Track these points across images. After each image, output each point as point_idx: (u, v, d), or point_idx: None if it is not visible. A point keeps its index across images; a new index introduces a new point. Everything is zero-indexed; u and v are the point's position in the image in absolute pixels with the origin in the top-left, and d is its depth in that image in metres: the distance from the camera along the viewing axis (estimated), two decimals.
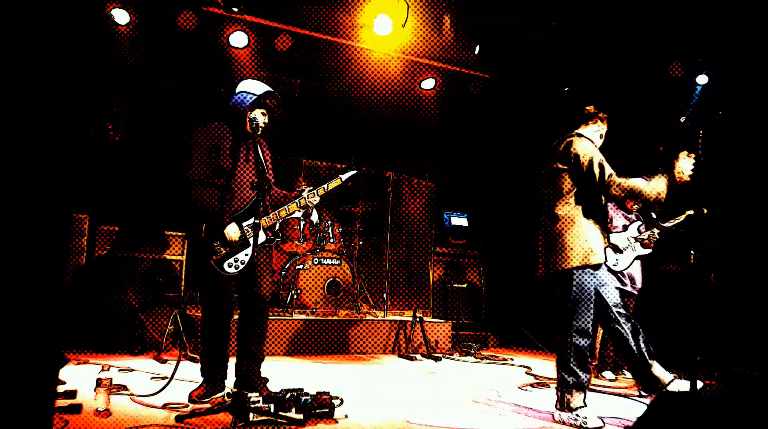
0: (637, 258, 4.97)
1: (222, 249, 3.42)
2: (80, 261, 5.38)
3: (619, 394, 4.36)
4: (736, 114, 4.80)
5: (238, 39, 6.34)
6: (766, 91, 5.29)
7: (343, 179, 3.71)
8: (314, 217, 6.20)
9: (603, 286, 3.46)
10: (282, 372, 4.42)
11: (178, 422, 2.97)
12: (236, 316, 3.65)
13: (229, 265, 3.42)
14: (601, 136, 3.70)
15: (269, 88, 3.59)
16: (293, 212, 3.62)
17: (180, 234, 5.87)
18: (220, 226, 3.39)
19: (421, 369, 5.28)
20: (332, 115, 7.17)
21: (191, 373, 3.81)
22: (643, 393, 4.29)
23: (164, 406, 3.25)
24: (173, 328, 4.99)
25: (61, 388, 3.27)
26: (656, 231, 4.80)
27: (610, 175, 3.41)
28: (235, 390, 3.45)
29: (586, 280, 3.41)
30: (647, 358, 3.44)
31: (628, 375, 5.12)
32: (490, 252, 7.58)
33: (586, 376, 3.40)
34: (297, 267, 6.01)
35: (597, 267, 3.45)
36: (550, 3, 6.01)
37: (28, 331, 1.42)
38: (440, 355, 5.86)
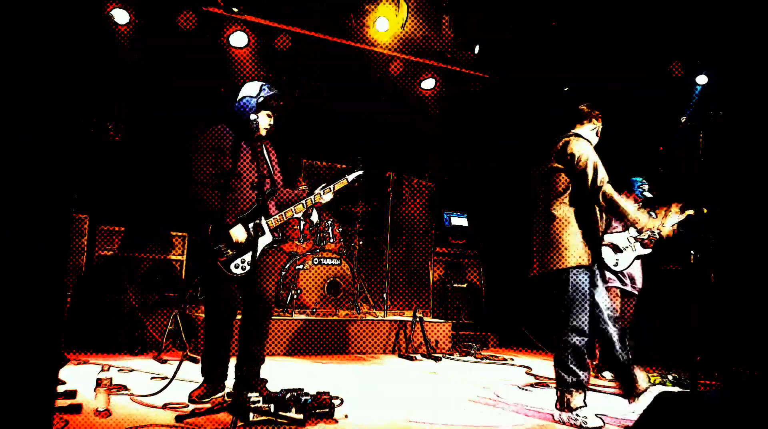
0: (637, 258, 4.97)
1: (228, 250, 3.42)
2: (80, 261, 5.38)
3: (619, 394, 4.36)
4: (736, 114, 4.80)
5: (238, 39, 6.34)
6: (766, 91, 5.29)
7: (350, 179, 3.72)
8: (314, 217, 6.20)
9: (596, 287, 3.48)
10: (282, 372, 4.42)
11: (178, 422, 2.97)
12: (238, 317, 3.65)
13: (236, 267, 3.43)
14: (597, 133, 3.73)
15: (275, 90, 3.60)
16: (299, 212, 3.63)
17: (180, 234, 5.86)
18: (225, 228, 3.40)
19: (421, 369, 5.28)
20: (332, 115, 7.16)
21: (191, 373, 3.81)
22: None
23: (164, 406, 3.26)
24: (173, 328, 5.00)
25: (61, 388, 3.27)
26: (656, 231, 4.80)
27: (602, 179, 3.44)
28: (234, 390, 3.45)
29: (581, 279, 3.43)
30: (630, 362, 3.50)
31: None
32: (490, 252, 7.58)
33: (585, 375, 3.41)
34: (297, 267, 6.01)
35: (592, 267, 3.46)
36: (551, 3, 6.02)
37: (28, 331, 1.42)
38: (440, 355, 5.86)
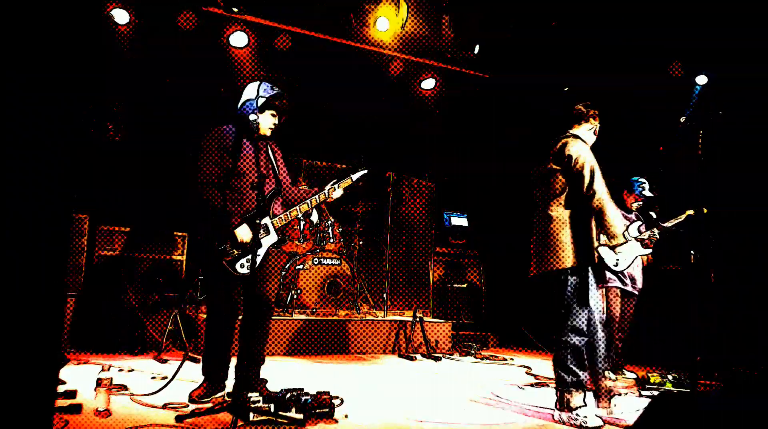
0: (637, 258, 4.96)
1: (234, 250, 3.42)
2: (80, 261, 5.37)
3: (619, 394, 4.36)
4: (736, 114, 4.80)
5: (238, 39, 6.34)
6: (766, 91, 5.29)
7: (354, 179, 3.74)
8: (314, 217, 6.20)
9: (591, 288, 3.48)
10: (282, 372, 4.42)
11: (179, 422, 2.97)
12: (240, 317, 3.66)
13: (242, 266, 3.43)
14: (594, 133, 3.73)
15: (277, 89, 3.61)
16: (305, 212, 3.65)
17: (181, 234, 5.86)
18: (230, 227, 3.40)
19: (421, 369, 5.28)
20: (332, 115, 7.16)
21: (191, 373, 3.81)
22: (641, 391, 4.31)
23: (164, 406, 3.25)
24: (173, 328, 5.00)
25: (61, 388, 3.27)
26: (656, 231, 4.80)
27: (597, 188, 3.46)
28: (234, 390, 3.45)
29: (580, 280, 3.44)
30: (605, 370, 3.56)
31: (629, 375, 5.12)
32: (490, 252, 7.58)
33: (584, 375, 3.41)
34: (297, 267, 6.01)
35: (589, 268, 3.46)
36: (551, 3, 6.02)
37: (28, 331, 1.42)
38: (440, 355, 5.86)
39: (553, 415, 3.50)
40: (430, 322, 6.37)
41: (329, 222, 6.33)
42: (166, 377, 3.79)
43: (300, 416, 3.05)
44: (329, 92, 6.73)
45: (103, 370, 3.16)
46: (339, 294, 6.18)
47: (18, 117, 1.42)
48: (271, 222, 3.56)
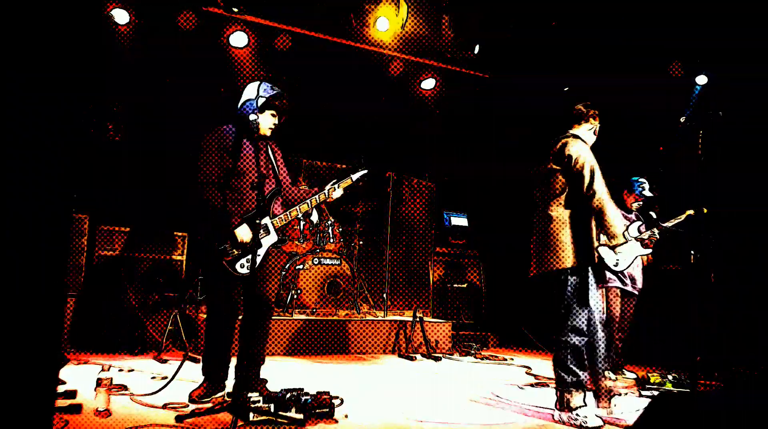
0: (637, 258, 4.96)
1: (234, 250, 3.42)
2: (80, 261, 5.37)
3: (619, 394, 4.36)
4: (736, 114, 4.80)
5: (238, 39, 6.34)
6: (766, 91, 5.29)
7: (354, 178, 3.74)
8: (314, 217, 6.20)
9: (591, 288, 3.48)
10: (282, 372, 4.42)
11: (178, 422, 2.97)
12: (240, 317, 3.66)
13: (242, 266, 3.44)
14: (594, 132, 3.73)
15: (277, 89, 3.61)
16: (305, 212, 3.65)
17: (180, 234, 5.86)
18: (230, 227, 3.40)
19: (421, 369, 5.28)
20: (332, 115, 7.15)
21: (191, 373, 3.81)
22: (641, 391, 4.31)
23: (164, 406, 3.25)
24: (173, 328, 4.99)
25: (61, 388, 3.27)
26: (656, 231, 4.80)
27: (597, 188, 3.45)
28: (234, 390, 3.45)
29: (580, 280, 3.44)
30: (605, 370, 3.56)
31: (629, 375, 5.12)
32: (490, 252, 7.58)
33: (584, 375, 3.41)
34: (297, 267, 6.01)
35: (589, 268, 3.46)
36: (551, 3, 6.02)
37: (28, 331, 1.42)
38: (440, 355, 5.86)
39: (553, 415, 3.50)
40: (430, 322, 6.37)
41: (329, 222, 6.33)
42: (166, 377, 3.79)
43: (300, 416, 3.05)
44: (329, 92, 6.73)
45: (103, 370, 3.16)
46: (339, 294, 6.18)
47: (18, 117, 1.42)
48: (271, 222, 3.56)
